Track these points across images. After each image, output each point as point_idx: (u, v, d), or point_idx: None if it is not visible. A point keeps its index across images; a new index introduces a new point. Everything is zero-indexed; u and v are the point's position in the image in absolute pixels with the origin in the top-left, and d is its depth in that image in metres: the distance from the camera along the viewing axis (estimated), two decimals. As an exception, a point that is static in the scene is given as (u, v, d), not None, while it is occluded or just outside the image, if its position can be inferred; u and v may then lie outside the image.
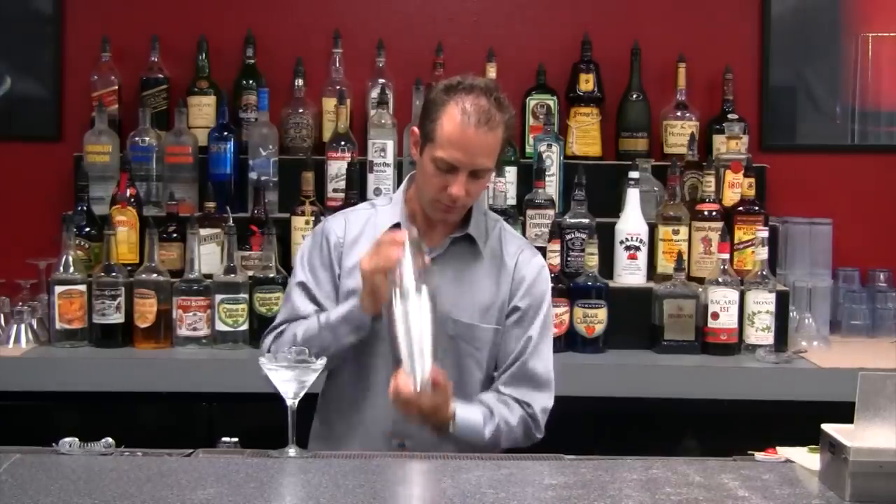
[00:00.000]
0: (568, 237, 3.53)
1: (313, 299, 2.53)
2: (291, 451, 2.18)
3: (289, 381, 2.18)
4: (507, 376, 2.53)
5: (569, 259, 3.53)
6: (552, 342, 2.61)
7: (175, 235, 3.51)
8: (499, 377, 2.53)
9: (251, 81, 3.83)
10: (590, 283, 3.46)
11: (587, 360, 3.38)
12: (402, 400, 2.28)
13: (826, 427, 2.00)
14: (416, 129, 2.50)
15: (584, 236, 3.51)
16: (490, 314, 2.52)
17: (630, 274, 3.57)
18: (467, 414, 2.42)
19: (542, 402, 2.54)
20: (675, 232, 3.56)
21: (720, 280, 3.44)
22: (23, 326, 3.41)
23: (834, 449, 1.95)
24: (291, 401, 2.19)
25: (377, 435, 2.48)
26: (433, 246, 2.50)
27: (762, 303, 3.43)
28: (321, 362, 2.23)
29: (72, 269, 3.38)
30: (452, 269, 2.51)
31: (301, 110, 3.78)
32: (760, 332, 3.43)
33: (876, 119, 4.04)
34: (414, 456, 2.33)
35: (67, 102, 3.92)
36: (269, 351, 2.46)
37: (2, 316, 3.47)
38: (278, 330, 2.53)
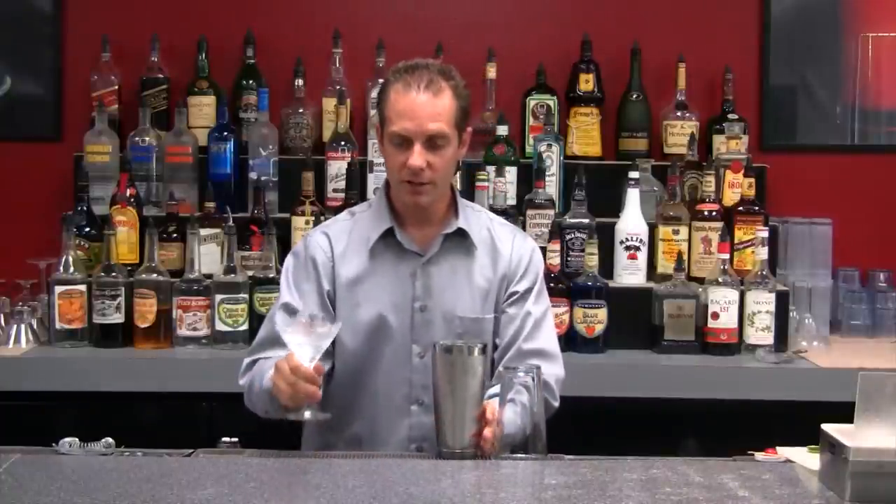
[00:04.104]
0: (568, 237, 3.53)
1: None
2: (307, 413, 2.19)
3: (303, 344, 2.18)
4: (512, 354, 2.50)
5: (569, 259, 3.53)
6: (552, 318, 2.63)
7: (175, 235, 3.51)
8: (503, 358, 2.50)
9: (251, 81, 3.83)
10: (590, 283, 3.45)
11: (587, 360, 3.38)
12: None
13: (826, 427, 2.00)
14: (377, 123, 2.51)
15: (584, 236, 3.51)
16: (489, 303, 2.53)
17: (630, 274, 3.57)
18: (506, 419, 2.29)
19: (554, 371, 2.52)
20: (675, 232, 3.56)
21: (720, 280, 3.43)
22: (23, 326, 3.41)
23: (834, 449, 1.95)
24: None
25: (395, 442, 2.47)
26: (426, 246, 2.51)
27: (762, 303, 3.43)
28: (336, 326, 2.26)
29: (72, 269, 3.38)
30: (449, 266, 2.52)
31: (301, 110, 3.78)
32: (760, 332, 3.43)
33: (876, 119, 4.04)
34: (414, 456, 2.33)
35: (67, 102, 3.92)
36: (241, 381, 2.48)
37: (2, 316, 3.46)
38: (253, 358, 2.49)
